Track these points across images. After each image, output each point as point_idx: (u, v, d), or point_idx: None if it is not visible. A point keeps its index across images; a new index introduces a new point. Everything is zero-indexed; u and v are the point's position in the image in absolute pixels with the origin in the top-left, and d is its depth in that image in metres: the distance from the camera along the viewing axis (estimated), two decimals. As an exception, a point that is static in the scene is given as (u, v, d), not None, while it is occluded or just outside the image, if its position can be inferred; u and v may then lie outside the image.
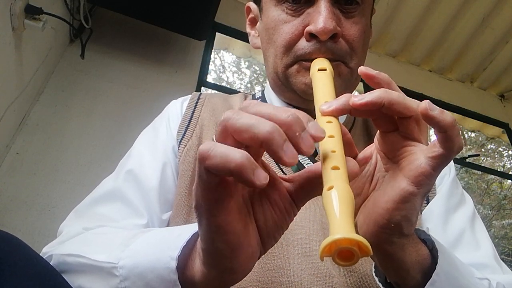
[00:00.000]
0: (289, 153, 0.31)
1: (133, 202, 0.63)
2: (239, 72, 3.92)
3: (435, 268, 0.41)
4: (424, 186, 0.37)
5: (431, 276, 0.41)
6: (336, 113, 0.40)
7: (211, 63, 2.41)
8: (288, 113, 0.33)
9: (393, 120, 0.40)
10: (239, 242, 0.35)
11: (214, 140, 0.33)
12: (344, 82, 0.64)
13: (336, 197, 0.32)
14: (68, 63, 1.90)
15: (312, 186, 0.38)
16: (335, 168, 0.35)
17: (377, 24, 2.56)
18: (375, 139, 0.44)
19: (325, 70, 0.55)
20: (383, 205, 0.39)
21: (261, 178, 0.30)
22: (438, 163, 0.36)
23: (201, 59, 2.23)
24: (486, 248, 0.63)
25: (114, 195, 0.64)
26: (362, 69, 0.42)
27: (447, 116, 0.35)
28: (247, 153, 0.31)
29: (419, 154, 0.37)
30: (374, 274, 0.49)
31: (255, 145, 0.32)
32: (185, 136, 0.69)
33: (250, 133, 0.31)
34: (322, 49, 0.61)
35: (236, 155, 0.30)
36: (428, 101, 0.36)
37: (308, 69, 0.61)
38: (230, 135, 0.32)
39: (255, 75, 3.89)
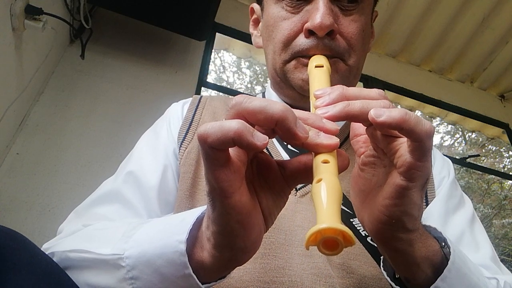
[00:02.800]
0: (301, 129, 0.34)
1: (133, 203, 0.63)
2: (240, 72, 3.93)
3: (446, 264, 0.41)
4: (417, 178, 0.37)
5: (442, 271, 0.41)
6: (332, 119, 0.40)
7: (211, 63, 2.41)
8: (279, 104, 0.34)
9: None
10: (251, 221, 0.37)
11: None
12: (342, 79, 0.65)
13: (325, 189, 0.34)
14: (68, 63, 1.90)
15: (301, 174, 0.39)
16: (325, 161, 0.36)
17: (377, 24, 2.55)
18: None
19: (322, 67, 0.55)
20: (382, 202, 0.39)
21: (261, 139, 0.32)
22: (420, 154, 0.36)
23: (201, 60, 2.23)
24: (485, 249, 0.63)
25: (113, 196, 0.64)
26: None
27: (395, 113, 0.35)
28: (242, 121, 0.32)
29: (403, 149, 0.38)
30: (382, 268, 0.50)
31: (268, 126, 0.34)
32: (185, 139, 0.70)
33: (264, 114, 0.33)
34: (320, 46, 0.61)
35: (232, 123, 0.32)
36: (372, 109, 0.36)
37: (305, 65, 0.62)
38: (243, 117, 0.34)
39: (256, 75, 3.89)
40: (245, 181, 0.37)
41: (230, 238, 0.37)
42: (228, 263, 0.39)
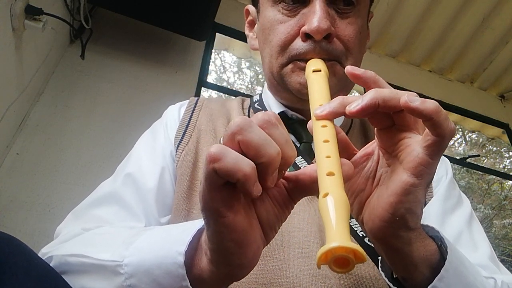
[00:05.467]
0: (272, 179, 0.35)
1: (131, 205, 0.63)
2: (240, 73, 3.93)
3: (444, 264, 0.42)
4: (424, 176, 0.38)
5: (439, 271, 0.41)
6: (330, 117, 0.41)
7: (211, 63, 2.41)
8: (276, 148, 0.34)
9: (388, 115, 0.41)
10: (246, 238, 0.36)
11: (221, 142, 0.35)
12: (339, 82, 0.65)
13: (332, 204, 0.33)
14: (68, 63, 1.91)
15: (306, 187, 0.39)
16: (330, 174, 0.36)
17: (377, 24, 2.56)
18: (375, 136, 0.44)
19: (320, 71, 0.55)
20: (386, 200, 0.39)
21: (258, 189, 0.33)
22: (434, 151, 0.37)
23: (201, 60, 2.23)
24: (483, 249, 0.63)
25: (112, 198, 0.64)
26: (348, 69, 0.43)
27: (429, 103, 0.35)
28: (254, 165, 0.32)
29: (415, 145, 0.38)
30: (380, 269, 0.50)
31: (254, 160, 0.34)
32: (182, 141, 0.70)
33: (258, 152, 0.33)
34: (317, 49, 0.61)
35: (246, 165, 0.32)
36: (407, 93, 0.36)
37: (303, 69, 0.62)
38: (237, 142, 0.33)
39: (256, 75, 3.89)
40: (242, 198, 0.36)
41: (226, 256, 0.36)
42: (225, 278, 0.39)
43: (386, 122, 0.41)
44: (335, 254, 0.30)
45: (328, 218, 0.32)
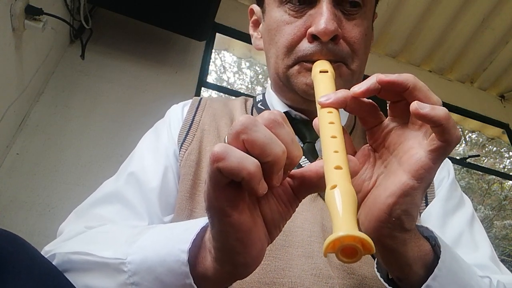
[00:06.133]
0: (277, 179, 0.35)
1: (134, 204, 0.63)
2: (240, 73, 3.93)
3: (437, 263, 0.42)
4: (424, 179, 0.38)
5: (433, 271, 0.41)
6: (335, 105, 0.41)
7: (211, 63, 2.41)
8: (282, 147, 0.34)
9: (398, 94, 0.41)
10: (251, 237, 0.36)
11: (226, 141, 0.34)
12: (345, 83, 0.64)
13: (339, 195, 0.33)
14: (68, 63, 1.90)
15: (311, 184, 0.39)
16: (338, 168, 0.36)
17: (377, 24, 2.55)
18: (367, 136, 0.45)
19: (327, 72, 0.55)
20: (384, 200, 0.39)
21: (264, 188, 0.33)
22: (438, 156, 0.37)
23: (201, 60, 2.23)
24: (484, 249, 0.63)
25: (114, 197, 0.64)
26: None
27: (439, 110, 0.36)
28: (259, 163, 0.32)
29: (418, 148, 0.38)
30: (376, 270, 0.50)
31: (258, 158, 0.33)
32: (186, 141, 0.70)
33: (264, 151, 0.33)
34: (324, 51, 0.61)
35: (251, 164, 0.32)
36: (416, 101, 0.37)
37: (309, 69, 0.62)
38: (241, 141, 0.33)
39: (256, 75, 3.89)
40: (247, 197, 0.36)
41: (230, 254, 0.36)
42: (229, 276, 0.39)
43: (375, 121, 0.43)
44: (343, 243, 0.30)
45: (335, 209, 0.32)
